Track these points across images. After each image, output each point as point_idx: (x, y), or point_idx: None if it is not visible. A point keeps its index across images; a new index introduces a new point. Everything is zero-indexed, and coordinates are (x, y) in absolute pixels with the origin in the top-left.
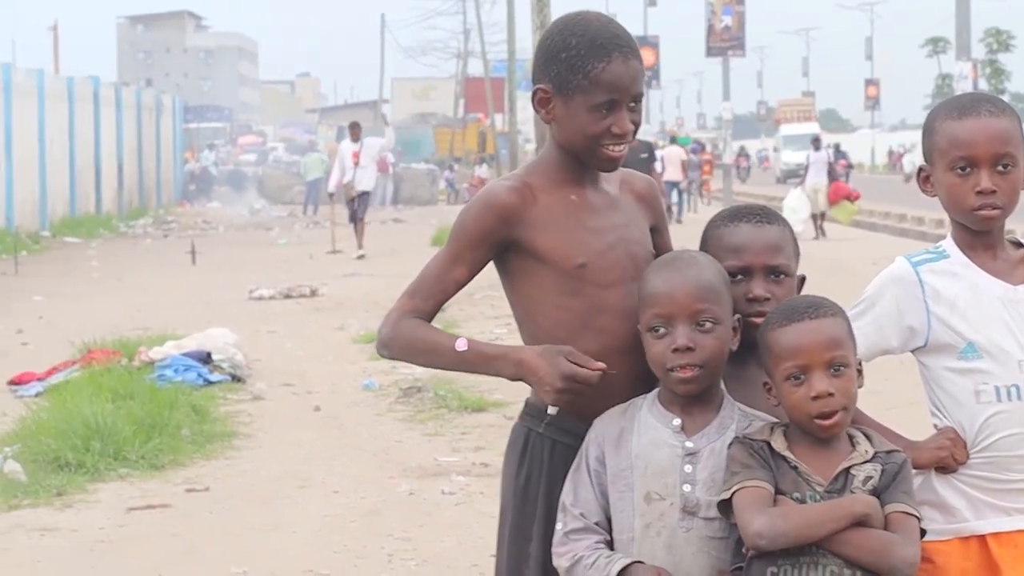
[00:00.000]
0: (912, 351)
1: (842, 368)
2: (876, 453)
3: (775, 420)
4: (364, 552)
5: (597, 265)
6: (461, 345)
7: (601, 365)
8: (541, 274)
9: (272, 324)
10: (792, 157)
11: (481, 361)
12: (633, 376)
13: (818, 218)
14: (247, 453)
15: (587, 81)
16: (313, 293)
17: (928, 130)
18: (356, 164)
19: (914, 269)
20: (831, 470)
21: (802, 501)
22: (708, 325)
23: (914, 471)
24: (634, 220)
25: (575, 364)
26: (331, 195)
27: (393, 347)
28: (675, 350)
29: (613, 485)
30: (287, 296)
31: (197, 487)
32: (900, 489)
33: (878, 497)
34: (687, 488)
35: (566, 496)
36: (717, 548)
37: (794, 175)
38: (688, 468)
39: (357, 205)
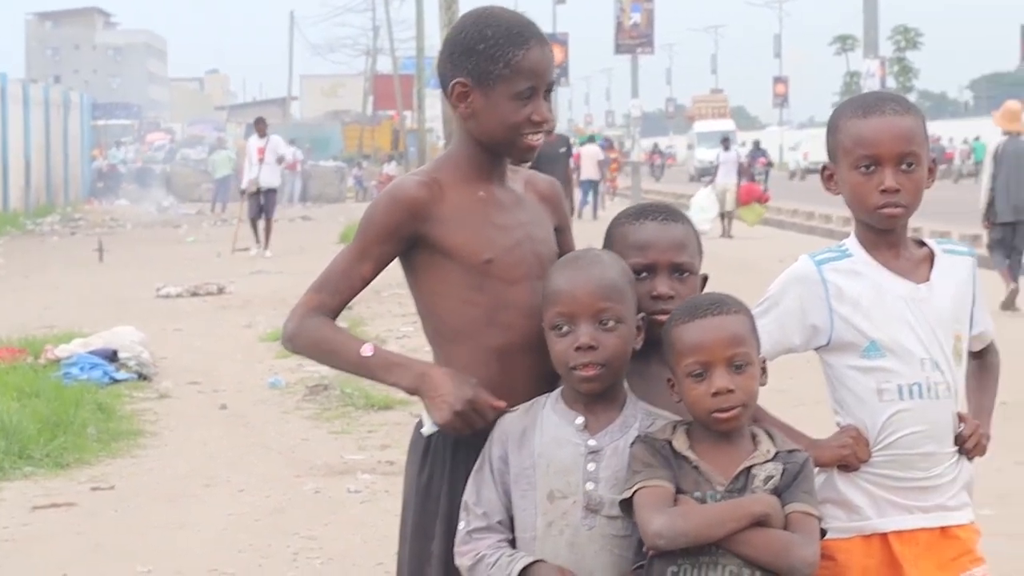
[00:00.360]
0: (815, 349)
1: (743, 365)
2: (778, 453)
3: (678, 419)
4: (269, 551)
5: (503, 261)
6: (367, 351)
7: (502, 404)
8: (447, 269)
9: (179, 322)
10: (706, 155)
11: (383, 368)
12: (537, 375)
13: (725, 217)
14: (153, 451)
15: (508, 69)
16: (220, 291)
17: (832, 128)
18: (261, 160)
19: (817, 268)
20: (732, 469)
21: (703, 500)
22: (611, 324)
23: (817, 469)
24: (539, 219)
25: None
26: (243, 192)
27: (297, 343)
28: (577, 348)
29: (516, 484)
30: (194, 294)
31: (102, 485)
32: (801, 489)
33: (779, 497)
34: (590, 486)
35: (469, 495)
36: (620, 546)
37: (707, 173)
38: (591, 466)
39: (263, 202)
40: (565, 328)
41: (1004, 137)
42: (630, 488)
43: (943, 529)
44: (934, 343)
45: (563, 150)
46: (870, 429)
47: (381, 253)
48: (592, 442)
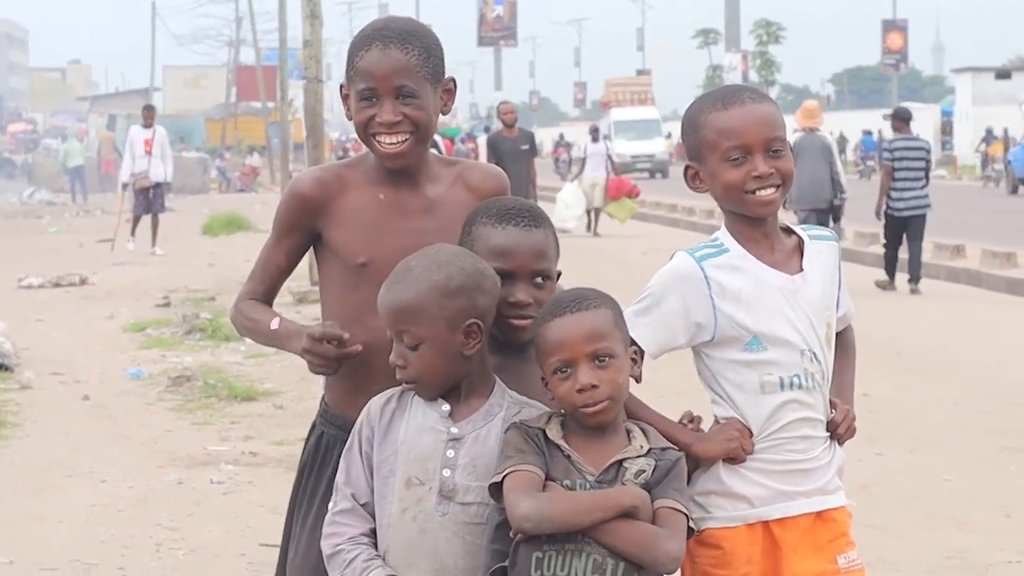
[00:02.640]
0: (696, 345)
1: (607, 359)
2: (651, 449)
3: (545, 407)
4: (132, 541)
5: (379, 266)
6: (274, 324)
7: (356, 348)
8: (331, 263)
9: (41, 313)
10: (627, 147)
11: (286, 337)
12: (393, 374)
13: (592, 214)
14: (14, 443)
15: (352, 71)
16: (83, 282)
17: (692, 126)
18: (148, 153)
19: (699, 265)
20: (603, 461)
21: (572, 488)
22: (408, 340)
23: (703, 461)
24: (450, 223)
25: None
26: (124, 185)
27: (236, 327)
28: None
29: (378, 472)
30: (56, 285)
31: None
32: (672, 486)
33: (649, 492)
34: (446, 473)
35: (339, 476)
36: (472, 533)
37: (630, 169)
38: (450, 453)
39: (152, 196)
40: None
41: (800, 133)
42: (500, 472)
43: (819, 513)
44: (811, 333)
45: (526, 147)
46: (752, 420)
47: (288, 245)
48: (454, 429)
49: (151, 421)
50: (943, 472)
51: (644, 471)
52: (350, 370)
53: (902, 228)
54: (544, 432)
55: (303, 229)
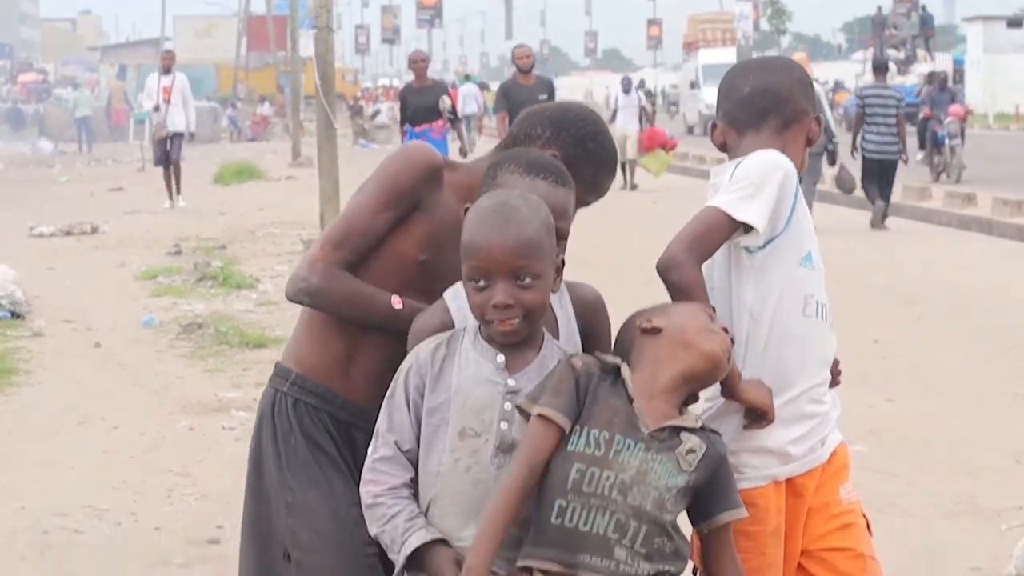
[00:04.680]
0: (755, 252)
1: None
2: (703, 427)
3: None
4: (143, 487)
5: (431, 269)
6: (397, 303)
7: None
8: (389, 244)
9: (52, 261)
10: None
11: (412, 320)
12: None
13: (627, 167)
14: (26, 389)
15: None
16: (94, 230)
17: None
18: (167, 101)
19: (790, 162)
20: (659, 416)
21: (609, 442)
22: (528, 281)
23: (732, 397)
24: None
25: None
26: (158, 135)
27: (320, 298)
28: (494, 306)
29: (428, 418)
30: (68, 233)
31: None
32: (730, 487)
33: (698, 489)
34: (504, 426)
35: (381, 422)
36: (537, 385)
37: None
38: (508, 406)
39: (170, 147)
40: (482, 283)
41: None
42: (529, 402)
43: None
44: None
45: (544, 96)
46: (788, 341)
47: (393, 214)
48: (512, 382)
49: (162, 368)
50: (953, 418)
51: (695, 451)
52: (349, 349)
53: (876, 169)
54: (619, 369)
55: (412, 202)
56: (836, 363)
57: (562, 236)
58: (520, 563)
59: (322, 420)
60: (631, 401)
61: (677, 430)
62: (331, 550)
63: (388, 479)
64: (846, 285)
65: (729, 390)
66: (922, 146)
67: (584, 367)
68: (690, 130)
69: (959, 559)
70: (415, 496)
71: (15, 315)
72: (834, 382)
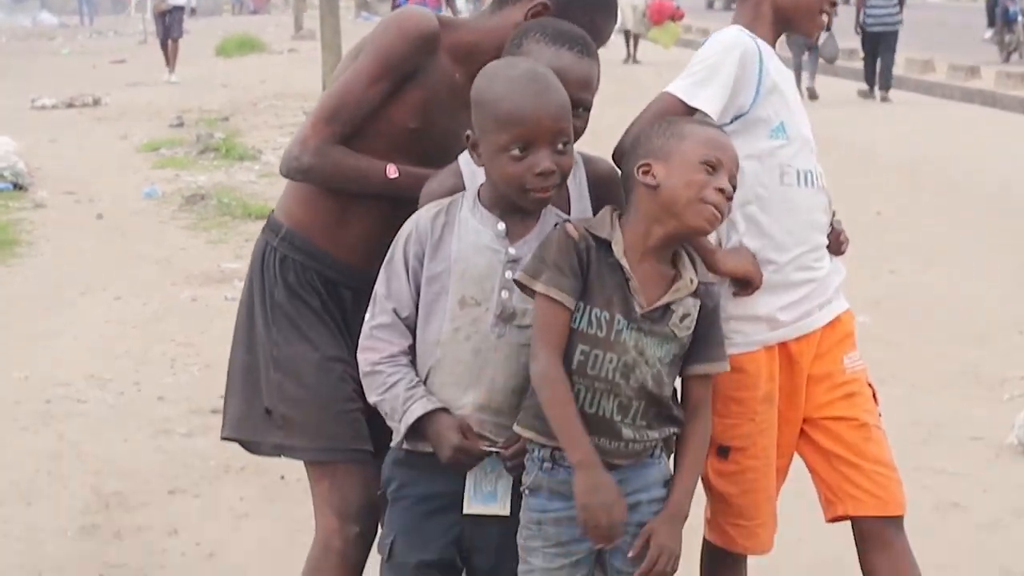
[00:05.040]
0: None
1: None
2: (699, 285)
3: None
4: (147, 357)
5: (422, 137)
6: (392, 172)
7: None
8: (384, 111)
9: (54, 133)
10: None
11: (413, 182)
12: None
13: (630, 39)
14: (28, 261)
15: None
16: (96, 102)
17: None
18: None
19: (751, 37)
20: (654, 291)
21: (610, 323)
22: (565, 146)
23: (717, 274)
24: None
25: None
26: (157, 8)
27: (315, 173)
28: (539, 174)
29: (428, 287)
30: (70, 105)
31: None
32: (716, 342)
33: (690, 343)
34: (505, 294)
35: (379, 288)
36: (526, 354)
37: None
38: (509, 274)
39: (168, 21)
40: (519, 151)
41: None
42: (532, 277)
43: (834, 319)
44: (812, 134)
45: None
46: (771, 215)
47: (388, 85)
48: (512, 250)
49: (165, 240)
50: (956, 289)
51: (689, 315)
52: (341, 209)
53: (875, 42)
54: (610, 246)
55: (405, 73)
56: (840, 232)
57: (586, 108)
58: (521, 432)
59: (308, 277)
60: (627, 280)
61: (669, 306)
62: (315, 405)
63: (386, 347)
64: (847, 158)
65: (707, 264)
66: (991, 23)
67: (582, 237)
68: (710, 4)
69: (961, 428)
70: (413, 364)
71: (17, 187)
72: (839, 250)
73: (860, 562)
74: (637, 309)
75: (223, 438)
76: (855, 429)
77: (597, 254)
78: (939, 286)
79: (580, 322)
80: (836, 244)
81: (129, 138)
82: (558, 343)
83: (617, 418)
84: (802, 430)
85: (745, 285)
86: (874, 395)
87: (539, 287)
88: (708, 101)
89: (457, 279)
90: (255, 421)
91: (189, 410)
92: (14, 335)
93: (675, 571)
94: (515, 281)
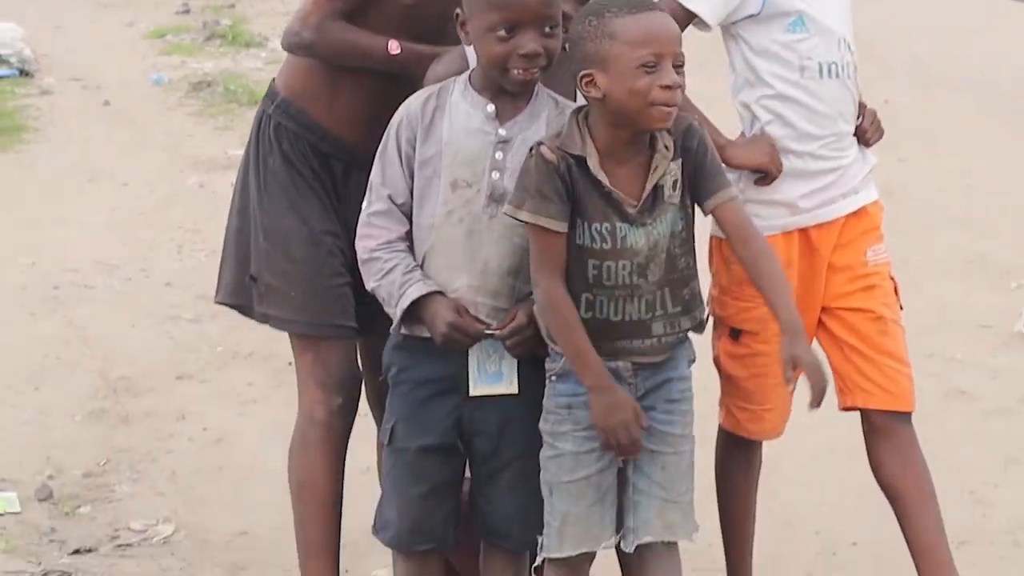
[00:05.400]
0: (737, 23)
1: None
2: (675, 143)
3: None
4: (153, 243)
5: (419, 12)
6: (394, 48)
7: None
8: None
9: (59, 19)
10: None
11: (413, 61)
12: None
13: None
14: (35, 147)
15: None
16: None
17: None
18: None
19: None
20: (637, 183)
21: (612, 232)
22: (552, 29)
23: (730, 167)
24: None
25: None
26: None
27: (315, 50)
28: (523, 55)
29: (420, 171)
30: None
31: None
32: (714, 177)
33: (693, 194)
34: (495, 176)
35: (375, 176)
36: (519, 235)
37: None
38: (499, 155)
39: None
40: (506, 33)
41: None
42: (518, 208)
43: (858, 209)
44: (845, 22)
45: None
46: (790, 104)
47: None
48: (502, 131)
49: (172, 126)
50: (965, 178)
51: (677, 178)
52: (333, 81)
53: None
54: (586, 162)
55: None
56: (872, 121)
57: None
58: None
59: (301, 147)
60: (610, 192)
61: (657, 186)
62: (303, 279)
63: (383, 233)
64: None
65: (721, 158)
66: None
67: (560, 158)
68: None
69: (969, 316)
70: (411, 250)
71: (23, 73)
72: (868, 140)
73: (868, 453)
74: (631, 210)
75: (217, 302)
76: (871, 321)
77: (578, 171)
78: (947, 175)
79: (584, 239)
80: (865, 133)
81: (135, 25)
82: (556, 267)
83: (646, 316)
84: (819, 319)
85: (764, 176)
86: (896, 290)
87: (525, 216)
88: (705, 5)
89: (448, 162)
90: (244, 287)
91: (196, 296)
92: (21, 221)
93: (828, 378)
94: (504, 213)
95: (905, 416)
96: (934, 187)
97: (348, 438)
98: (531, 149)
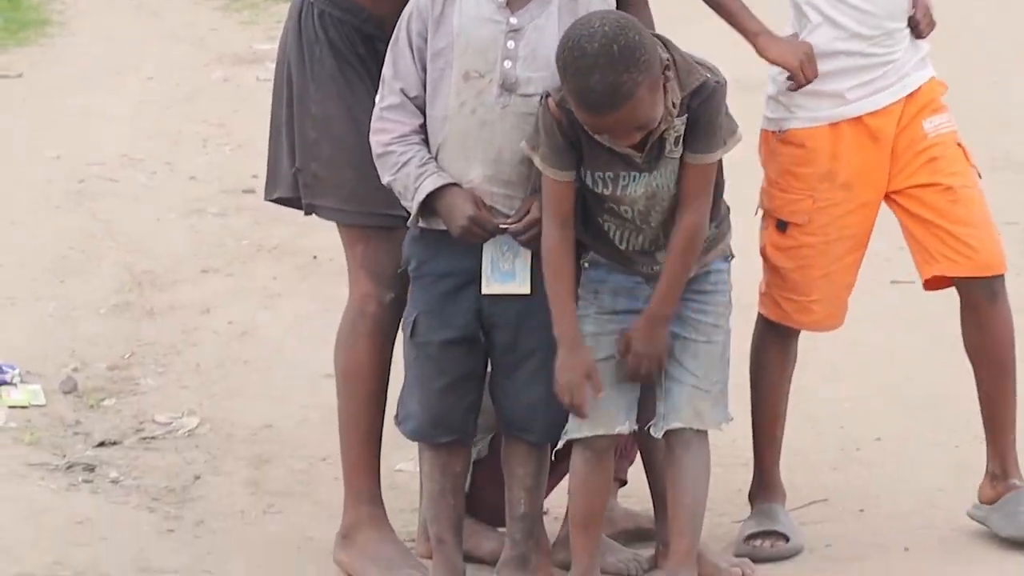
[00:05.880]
0: None
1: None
2: (683, 100)
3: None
4: (178, 137)
5: None
6: None
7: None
8: None
9: None
10: None
11: None
12: None
13: None
14: (60, 41)
15: None
16: None
17: None
18: None
19: None
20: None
21: (614, 180)
22: None
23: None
24: None
25: None
26: None
27: None
28: None
29: (433, 63)
30: None
31: (10, 74)
32: (703, 138)
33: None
34: (507, 64)
35: (386, 69)
36: (531, 123)
37: None
38: (511, 44)
39: None
40: None
41: None
42: (530, 148)
43: (909, 94)
44: None
45: None
46: (837, 6)
47: None
48: (513, 20)
49: (197, 20)
50: (991, 75)
51: (680, 134)
52: None
53: None
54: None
55: None
56: (925, 15)
57: None
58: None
59: (347, 33)
60: (609, 149)
61: (660, 139)
62: (351, 168)
63: (397, 127)
64: None
65: (754, 48)
66: None
67: (564, 112)
68: None
69: (996, 212)
70: (425, 143)
71: None
72: (921, 33)
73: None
74: (636, 160)
75: (266, 199)
76: (939, 194)
77: (581, 125)
78: (974, 73)
79: (592, 184)
80: (919, 25)
81: None
82: (559, 213)
83: (650, 249)
84: (895, 200)
85: (793, 78)
86: (966, 155)
87: (536, 160)
88: None
89: (460, 53)
90: (288, 178)
91: (221, 190)
92: (47, 115)
93: (661, 368)
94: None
95: (990, 281)
96: (960, 86)
97: (397, 330)
98: (541, 97)
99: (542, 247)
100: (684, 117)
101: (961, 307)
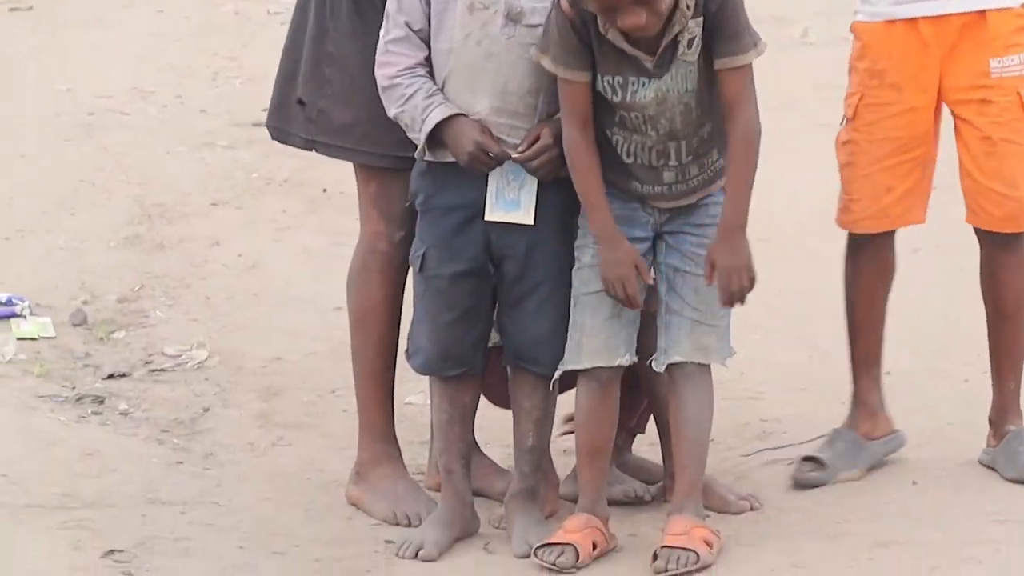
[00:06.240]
0: None
1: None
2: (696, 1)
3: None
4: (189, 71)
5: None
6: None
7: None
8: None
9: None
10: None
11: None
12: None
13: None
14: None
15: None
16: None
17: None
18: None
19: None
20: (654, 39)
21: (624, 85)
22: None
23: None
24: None
25: None
26: None
27: None
28: None
29: None
30: None
31: (20, 6)
32: (728, 42)
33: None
34: None
35: (391, 4)
36: (543, 30)
37: None
38: None
39: None
40: None
41: None
42: (540, 52)
43: (981, 13)
44: None
45: None
46: None
47: None
48: None
49: None
50: None
51: (695, 37)
52: None
53: None
54: (596, 20)
55: None
56: None
57: None
58: None
59: None
60: (623, 49)
61: (673, 40)
62: (365, 107)
63: (402, 60)
64: None
65: None
66: None
67: (577, 12)
68: None
69: None
70: (431, 76)
71: None
72: None
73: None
74: (647, 64)
75: (265, 124)
76: (979, 141)
77: (594, 26)
78: None
79: (602, 88)
80: None
81: None
82: (580, 113)
83: (658, 164)
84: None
85: None
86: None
87: (547, 63)
88: None
89: None
90: (288, 110)
91: (231, 123)
92: (55, 48)
93: (753, 280)
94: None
95: (1008, 238)
96: None
97: (408, 268)
98: (551, 8)
99: (565, 151)
100: (700, 20)
101: (980, 251)
